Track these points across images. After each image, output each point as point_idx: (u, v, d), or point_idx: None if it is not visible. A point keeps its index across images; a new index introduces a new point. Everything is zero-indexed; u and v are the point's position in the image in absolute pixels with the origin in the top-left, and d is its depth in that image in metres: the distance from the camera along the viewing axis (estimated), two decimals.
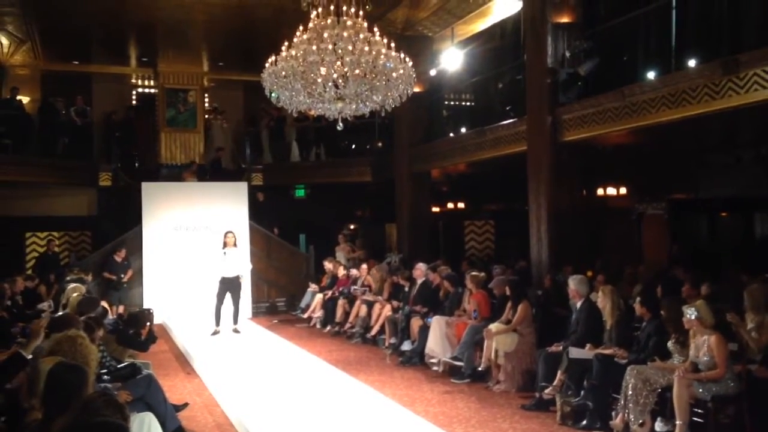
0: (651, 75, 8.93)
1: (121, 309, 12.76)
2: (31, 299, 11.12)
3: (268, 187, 15.68)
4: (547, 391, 6.63)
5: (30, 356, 5.53)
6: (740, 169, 11.67)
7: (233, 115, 17.39)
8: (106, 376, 5.80)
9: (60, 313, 8.24)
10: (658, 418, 5.60)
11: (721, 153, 11.81)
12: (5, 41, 13.96)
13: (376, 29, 7.58)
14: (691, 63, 8.28)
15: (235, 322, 11.29)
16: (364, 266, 12.03)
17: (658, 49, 9.11)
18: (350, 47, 7.14)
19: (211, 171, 15.48)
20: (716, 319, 5.63)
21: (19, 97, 14.70)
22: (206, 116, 16.38)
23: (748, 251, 11.88)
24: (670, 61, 8.63)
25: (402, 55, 7.66)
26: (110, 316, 11.16)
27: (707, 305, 5.68)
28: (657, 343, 6.07)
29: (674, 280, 7.79)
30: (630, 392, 5.67)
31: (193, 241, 13.30)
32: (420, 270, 10.10)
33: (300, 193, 17.55)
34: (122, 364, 6.53)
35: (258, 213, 14.57)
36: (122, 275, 12.82)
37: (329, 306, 11.96)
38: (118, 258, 12.89)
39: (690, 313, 5.57)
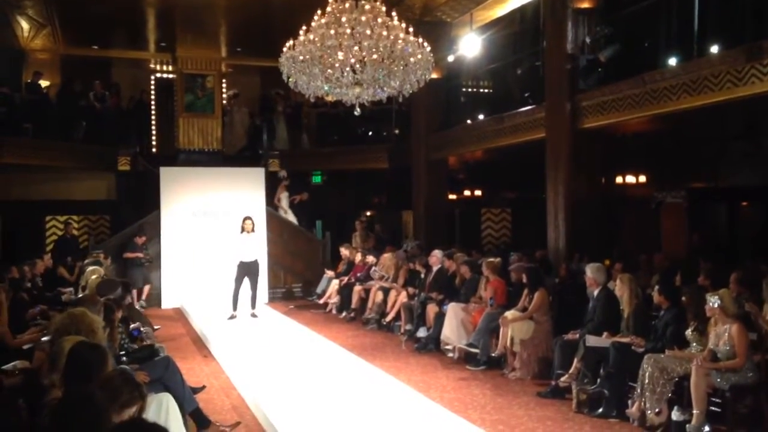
0: (672, 61, 8.80)
1: (146, 288, 12.88)
2: (52, 282, 11.27)
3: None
4: (563, 378, 6.62)
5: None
6: (762, 158, 11.52)
7: (250, 100, 17.43)
8: (124, 358, 5.87)
9: (80, 296, 8.37)
10: (675, 407, 5.56)
11: (742, 141, 11.65)
12: (25, 26, 14.05)
13: (394, 14, 7.54)
14: (714, 49, 8.15)
15: (253, 306, 11.35)
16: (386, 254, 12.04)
17: (679, 35, 8.96)
18: (368, 32, 7.11)
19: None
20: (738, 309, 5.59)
21: (40, 82, 14.83)
22: (224, 102, 16.41)
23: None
24: (691, 48, 8.50)
25: (420, 40, 7.61)
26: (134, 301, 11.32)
27: (730, 294, 5.63)
28: (674, 332, 6.03)
29: (696, 269, 7.70)
30: (647, 381, 5.64)
31: (210, 226, 13.36)
32: (436, 257, 10.08)
33: (317, 179, 17.56)
34: (140, 346, 6.62)
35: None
36: (143, 254, 12.95)
37: (345, 292, 12.00)
38: (139, 241, 13.01)
39: (713, 302, 5.53)
